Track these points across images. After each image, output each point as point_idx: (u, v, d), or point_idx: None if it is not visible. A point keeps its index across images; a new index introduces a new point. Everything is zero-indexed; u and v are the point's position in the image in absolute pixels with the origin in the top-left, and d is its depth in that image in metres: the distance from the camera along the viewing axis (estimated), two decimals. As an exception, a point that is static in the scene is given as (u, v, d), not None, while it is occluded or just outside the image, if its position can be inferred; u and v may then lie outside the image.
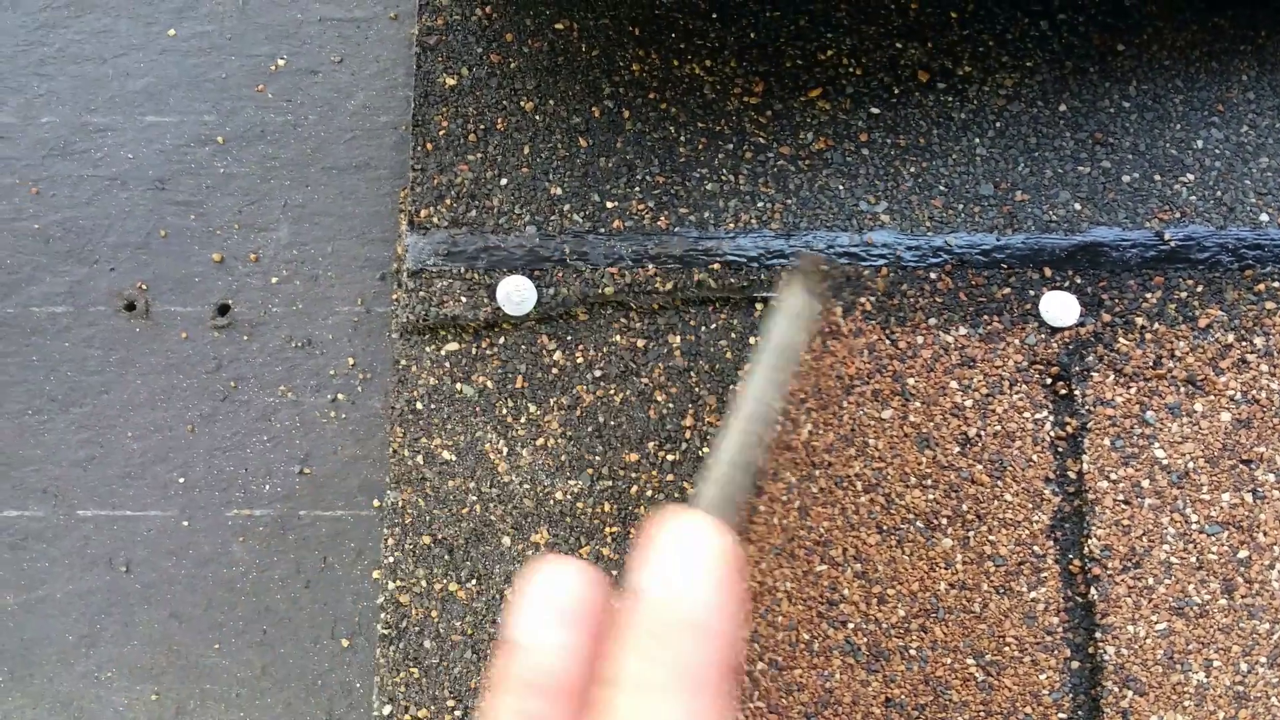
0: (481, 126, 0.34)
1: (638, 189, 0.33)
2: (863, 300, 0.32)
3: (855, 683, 0.30)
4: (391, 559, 0.30)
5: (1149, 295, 0.33)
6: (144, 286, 0.34)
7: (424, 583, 0.31)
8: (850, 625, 0.31)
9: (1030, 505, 0.32)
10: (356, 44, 0.35)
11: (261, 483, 0.33)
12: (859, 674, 0.30)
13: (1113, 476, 0.31)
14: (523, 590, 0.19)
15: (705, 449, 0.32)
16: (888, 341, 0.32)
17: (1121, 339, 0.32)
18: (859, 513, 0.31)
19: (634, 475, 0.32)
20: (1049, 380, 0.32)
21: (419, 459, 0.31)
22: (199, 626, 0.32)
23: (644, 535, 0.19)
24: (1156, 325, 0.32)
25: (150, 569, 0.31)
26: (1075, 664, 0.31)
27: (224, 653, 0.32)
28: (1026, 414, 0.32)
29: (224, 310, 0.33)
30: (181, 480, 0.33)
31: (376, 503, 0.32)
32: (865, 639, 0.31)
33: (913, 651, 0.31)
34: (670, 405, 0.32)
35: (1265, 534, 0.31)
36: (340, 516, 0.32)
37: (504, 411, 0.32)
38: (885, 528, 0.31)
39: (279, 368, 0.33)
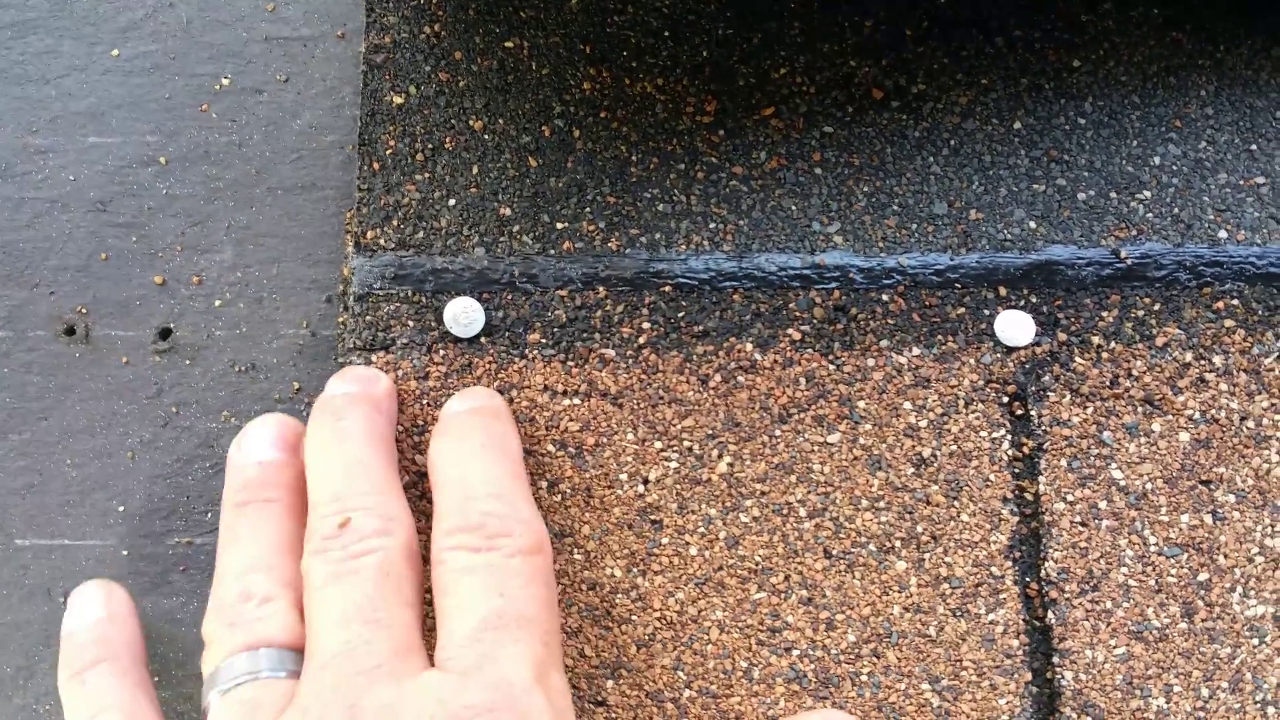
0: (429, 146, 0.34)
1: (588, 210, 0.34)
2: (790, 331, 0.33)
3: (802, 710, 0.30)
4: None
5: (1105, 314, 0.33)
6: (84, 310, 0.34)
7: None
8: (795, 652, 0.31)
9: (988, 526, 0.32)
10: (303, 63, 0.35)
11: (203, 511, 0.33)
12: (806, 701, 0.30)
13: (1069, 498, 0.32)
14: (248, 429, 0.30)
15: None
16: (832, 366, 0.32)
17: (1078, 358, 0.33)
18: (802, 539, 0.31)
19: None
20: (1005, 399, 0.33)
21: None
22: (137, 659, 0.32)
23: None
24: (1113, 344, 0.33)
25: (88, 600, 0.31)
26: (1035, 688, 0.31)
27: (164, 684, 0.32)
28: (983, 433, 0.32)
29: (166, 334, 0.34)
30: (121, 509, 0.33)
31: (320, 530, 0.32)
32: (812, 665, 0.31)
33: (864, 678, 0.31)
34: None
35: (1226, 556, 0.31)
36: (283, 545, 0.32)
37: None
38: (834, 552, 0.31)
39: (222, 393, 0.33)
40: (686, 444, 0.32)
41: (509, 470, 0.29)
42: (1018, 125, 0.35)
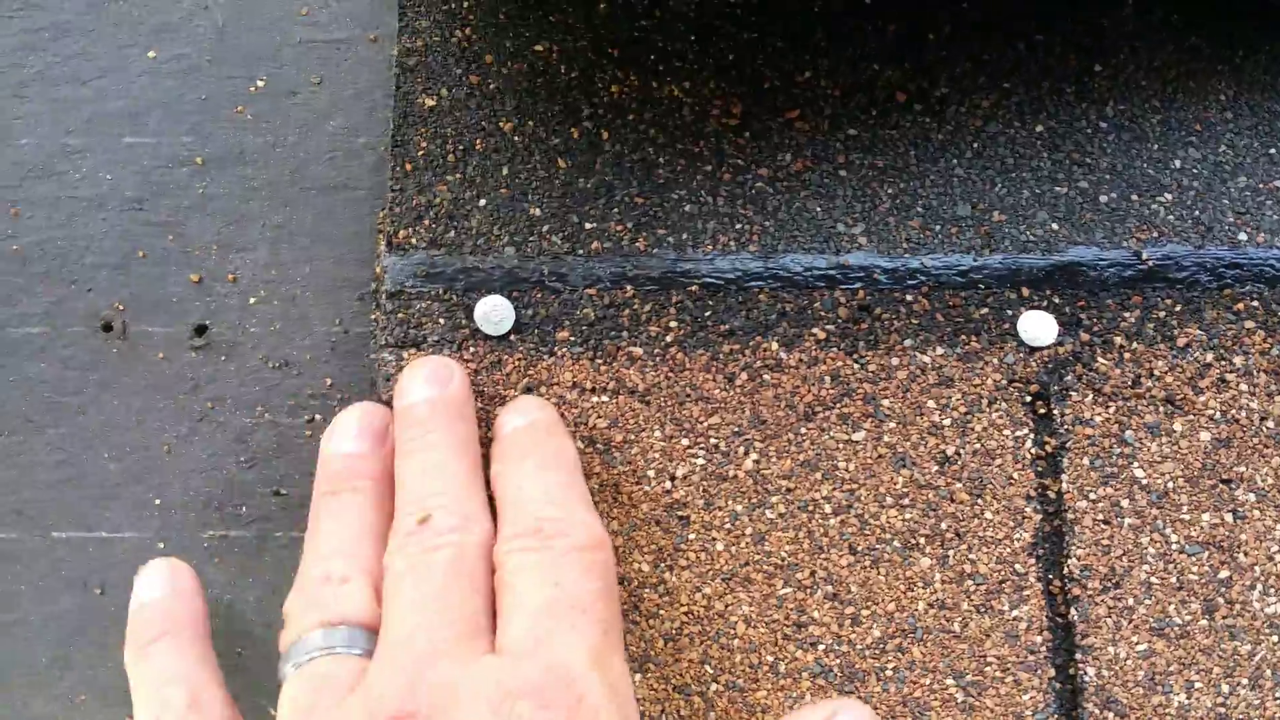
0: (460, 147, 0.35)
1: (616, 210, 0.34)
2: (815, 330, 0.33)
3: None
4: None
5: (1127, 314, 0.34)
6: (121, 307, 0.35)
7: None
8: (821, 647, 0.31)
9: (1012, 523, 0.32)
10: (336, 65, 0.36)
11: (238, 504, 0.33)
12: (831, 695, 0.31)
13: (1092, 496, 0.32)
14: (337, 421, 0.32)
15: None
16: (856, 365, 0.33)
17: (1100, 358, 0.33)
18: (828, 535, 0.32)
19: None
20: (1028, 399, 0.33)
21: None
22: (173, 650, 0.32)
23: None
24: (1135, 344, 0.33)
25: (125, 591, 0.32)
26: (1059, 684, 0.31)
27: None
28: (1007, 432, 0.33)
29: (201, 331, 0.34)
30: (158, 502, 0.34)
31: (353, 524, 0.33)
32: (837, 660, 0.31)
33: (889, 672, 0.31)
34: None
35: (1246, 554, 0.32)
36: (316, 538, 0.33)
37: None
38: (859, 549, 0.32)
39: (256, 388, 0.34)
40: (713, 441, 0.33)
41: (564, 480, 0.30)
42: (1040, 128, 0.35)
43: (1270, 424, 0.33)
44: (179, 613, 0.31)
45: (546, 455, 0.31)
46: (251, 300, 0.35)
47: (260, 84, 0.36)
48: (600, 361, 0.33)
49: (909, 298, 0.34)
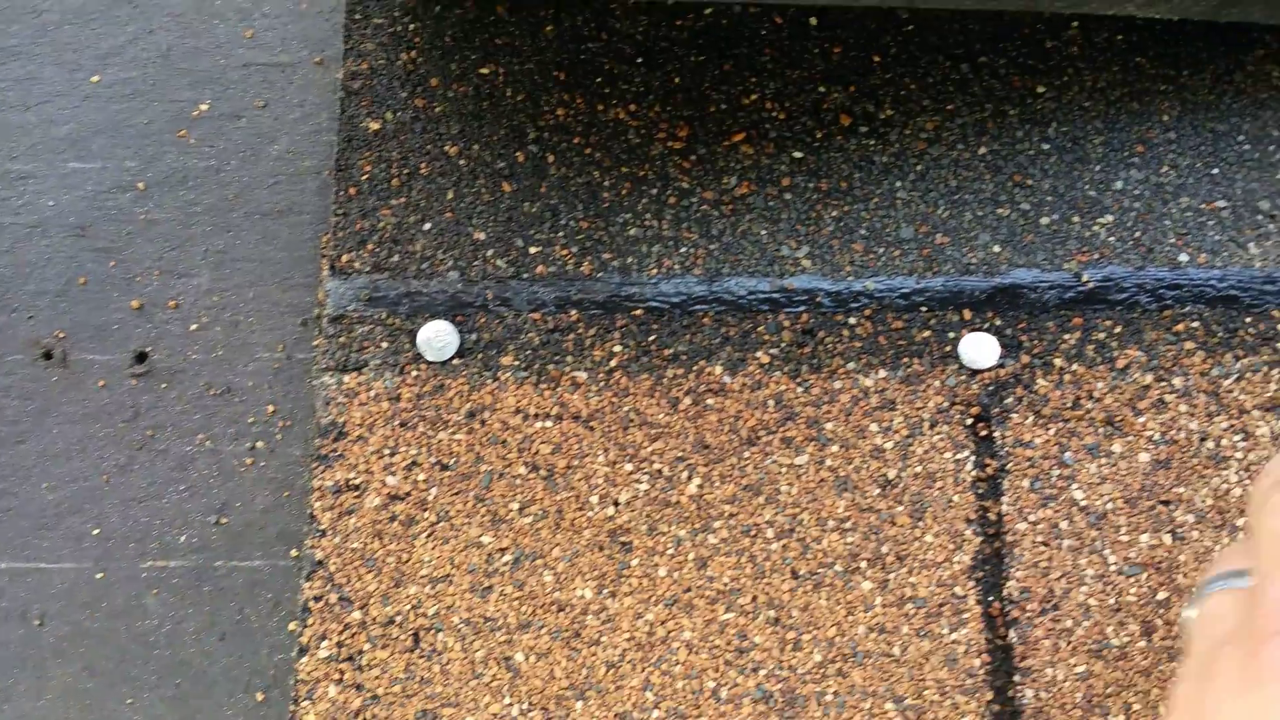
0: (405, 171, 0.35)
1: (561, 234, 0.35)
2: (759, 354, 0.33)
3: None
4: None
5: (1067, 336, 0.34)
6: (62, 335, 0.34)
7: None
8: (762, 672, 0.32)
9: (951, 546, 0.33)
10: (280, 89, 0.36)
11: (177, 533, 0.33)
12: (769, 721, 0.31)
13: (1031, 518, 0.33)
14: None
15: (625, 494, 0.32)
16: (800, 389, 0.33)
17: (1040, 380, 0.34)
18: (770, 559, 0.32)
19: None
20: (969, 421, 0.33)
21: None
22: (112, 681, 0.32)
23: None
24: (1075, 366, 0.34)
25: (64, 622, 0.32)
26: (997, 707, 0.32)
27: (137, 708, 0.32)
28: (947, 454, 0.33)
29: (142, 358, 0.34)
30: (96, 532, 0.33)
31: (294, 552, 0.33)
32: (779, 685, 0.31)
33: (829, 697, 0.31)
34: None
35: (1185, 576, 0.32)
36: (257, 567, 0.33)
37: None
38: (801, 573, 0.32)
39: (197, 416, 0.34)
40: (656, 466, 0.33)
41: None
42: (983, 150, 0.36)
43: (1209, 445, 0.33)
44: None
45: None
46: (193, 326, 0.35)
47: (204, 108, 0.36)
48: (544, 386, 0.33)
49: (852, 321, 0.34)
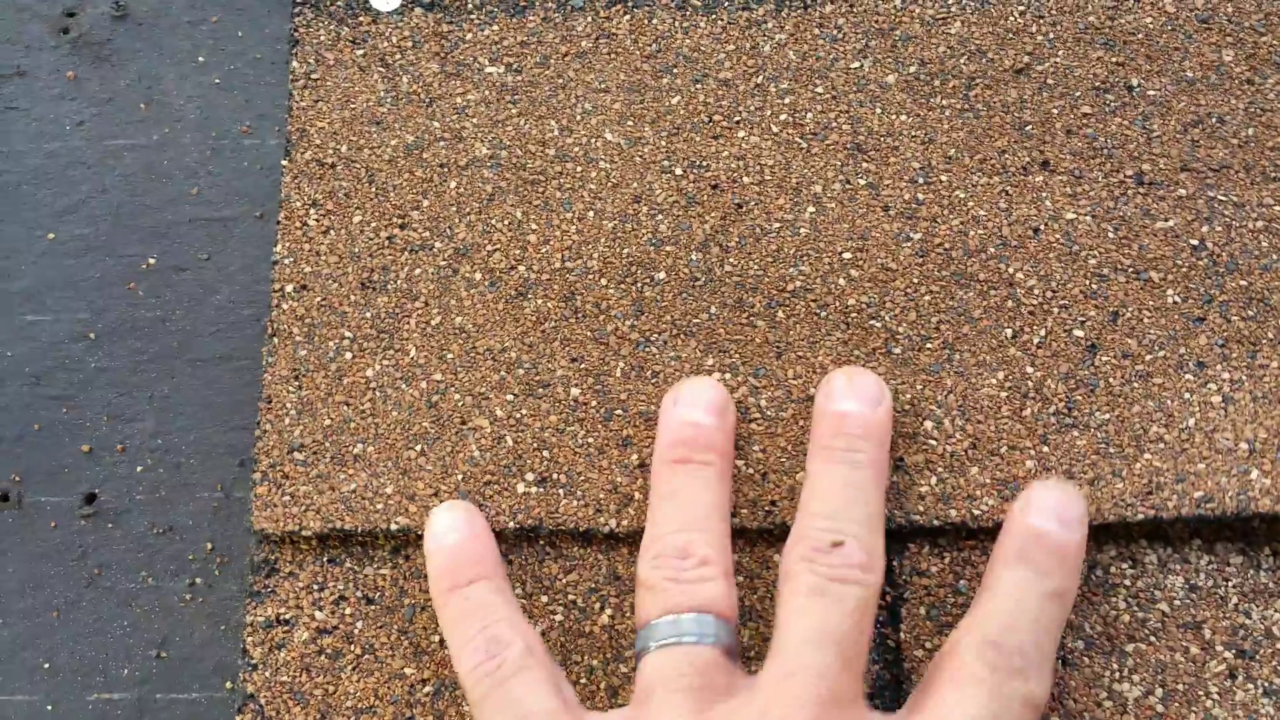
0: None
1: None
2: None
3: None
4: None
5: (963, 466, 0.36)
6: (18, 478, 0.37)
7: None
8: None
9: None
10: (223, 241, 0.39)
11: (121, 667, 0.36)
12: None
13: (927, 645, 0.34)
14: (681, 389, 0.34)
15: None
16: None
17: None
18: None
19: None
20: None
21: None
22: (58, 810, 0.34)
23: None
24: (970, 495, 0.35)
25: (16, 754, 0.34)
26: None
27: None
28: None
29: (91, 499, 0.37)
30: (47, 665, 0.36)
31: (229, 685, 0.35)
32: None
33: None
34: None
35: (1075, 700, 0.34)
36: (195, 699, 0.35)
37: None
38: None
39: (141, 554, 0.37)
40: (570, 597, 0.35)
41: None
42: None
43: (1099, 572, 0.35)
44: (489, 557, 0.33)
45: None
46: (138, 469, 0.37)
47: (152, 261, 0.39)
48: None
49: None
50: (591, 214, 0.38)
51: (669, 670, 0.30)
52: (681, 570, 0.31)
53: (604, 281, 0.37)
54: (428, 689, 0.35)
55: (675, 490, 0.33)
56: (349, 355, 0.37)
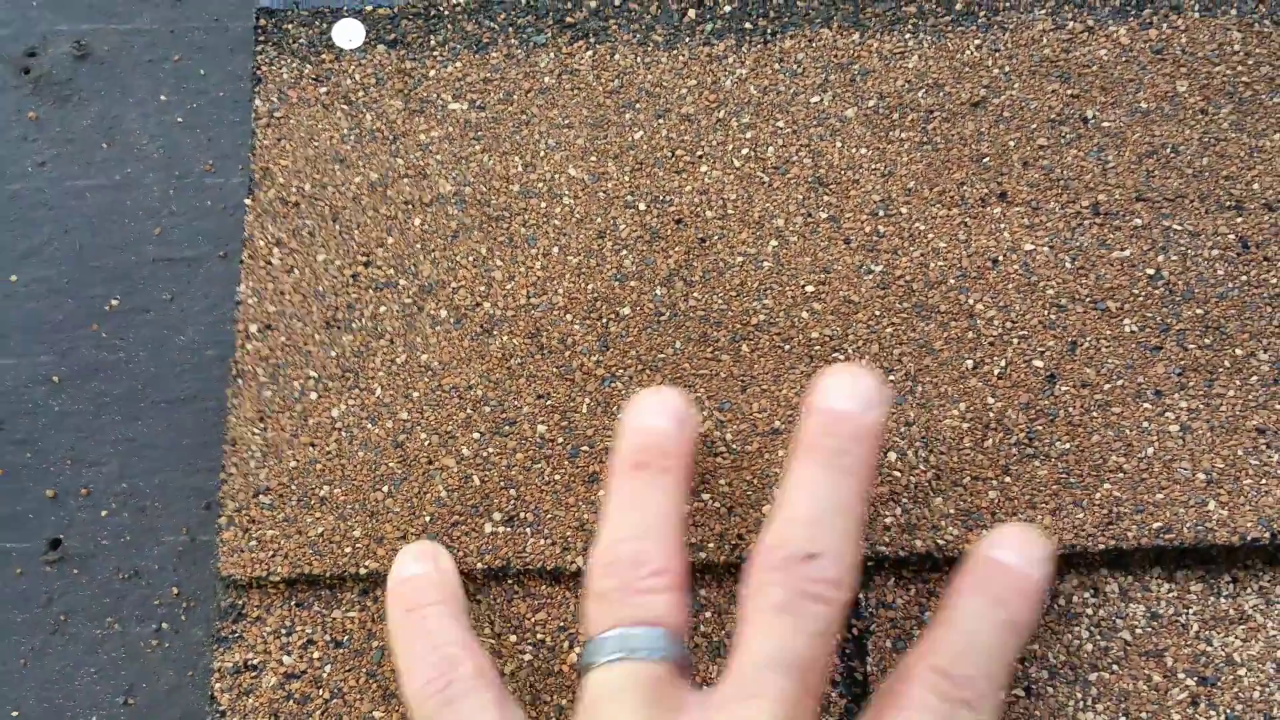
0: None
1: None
2: None
3: None
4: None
5: (927, 497, 0.36)
6: (-19, 525, 0.37)
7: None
8: None
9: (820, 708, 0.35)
10: (187, 282, 0.39)
11: (89, 714, 0.36)
12: None
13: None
14: (640, 398, 0.33)
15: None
16: None
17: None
18: None
19: None
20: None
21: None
22: None
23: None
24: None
25: (-17, 804, 0.34)
26: None
27: None
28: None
29: (55, 545, 0.37)
30: (15, 714, 0.36)
31: (197, 730, 0.35)
32: None
33: None
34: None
35: (1042, 729, 0.34)
36: (162, 745, 0.35)
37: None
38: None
39: (106, 599, 0.36)
40: (540, 636, 0.35)
41: None
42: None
43: (1061, 601, 0.35)
44: (448, 586, 0.33)
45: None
46: (103, 513, 0.37)
47: (115, 302, 0.39)
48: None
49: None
50: (556, 250, 0.38)
51: (616, 686, 0.29)
52: (634, 580, 0.30)
53: (569, 317, 0.38)
54: (397, 731, 0.35)
55: (631, 496, 0.32)
56: (314, 395, 0.37)
